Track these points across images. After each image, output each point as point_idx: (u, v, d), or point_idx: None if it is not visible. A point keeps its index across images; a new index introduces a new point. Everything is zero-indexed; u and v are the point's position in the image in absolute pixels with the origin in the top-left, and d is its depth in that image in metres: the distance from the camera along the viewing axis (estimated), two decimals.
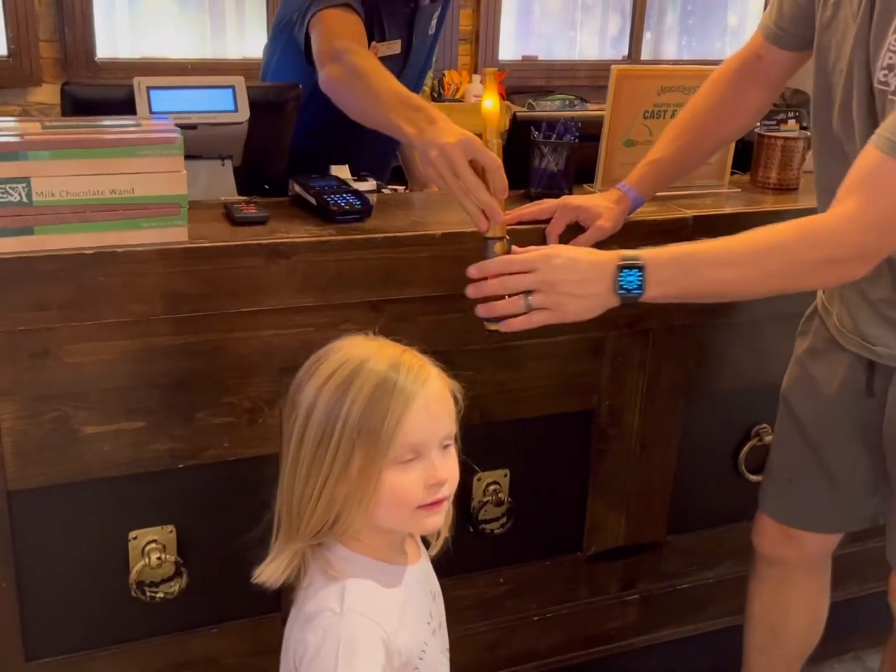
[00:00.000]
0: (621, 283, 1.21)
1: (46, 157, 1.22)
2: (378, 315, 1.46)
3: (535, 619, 1.81)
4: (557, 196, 1.69)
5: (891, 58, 1.25)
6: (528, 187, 1.71)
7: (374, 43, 2.06)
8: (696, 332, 1.78)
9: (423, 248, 1.46)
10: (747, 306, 1.73)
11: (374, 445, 0.96)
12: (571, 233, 1.53)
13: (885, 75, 1.25)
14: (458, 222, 1.55)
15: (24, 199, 1.23)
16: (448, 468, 1.02)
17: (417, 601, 1.08)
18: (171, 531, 1.49)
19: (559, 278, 1.22)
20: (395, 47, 2.07)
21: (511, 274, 1.24)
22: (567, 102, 3.57)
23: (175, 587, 1.50)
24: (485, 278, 1.26)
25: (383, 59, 1.97)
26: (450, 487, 1.03)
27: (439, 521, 1.03)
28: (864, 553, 2.09)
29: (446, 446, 1.03)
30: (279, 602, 1.60)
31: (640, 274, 1.20)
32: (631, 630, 1.92)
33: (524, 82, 3.83)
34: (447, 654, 1.18)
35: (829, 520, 1.65)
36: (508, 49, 4.07)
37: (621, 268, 1.21)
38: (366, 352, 1.02)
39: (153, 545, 1.47)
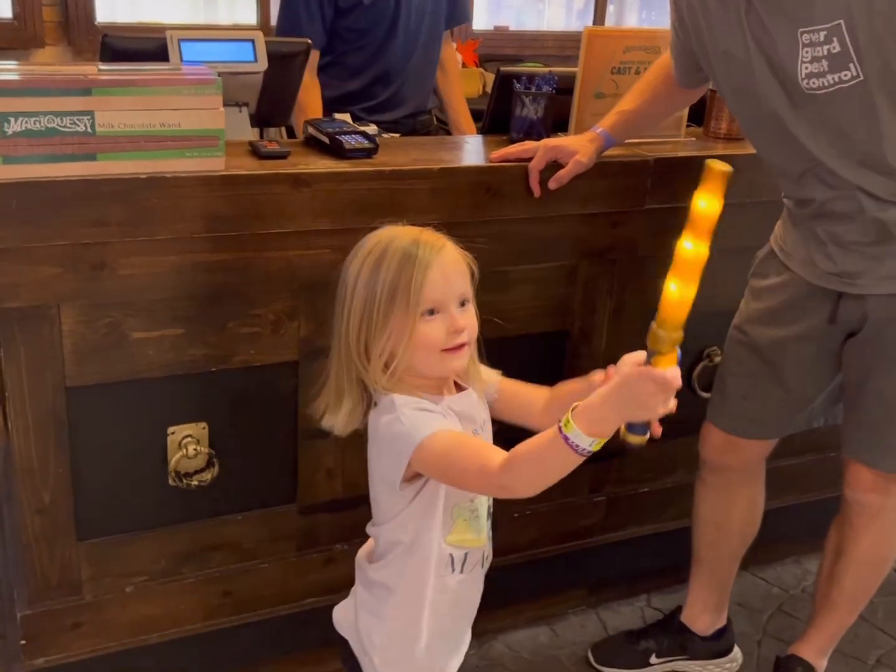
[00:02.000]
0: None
1: (108, 94, 1.43)
2: None
3: (516, 515, 2.06)
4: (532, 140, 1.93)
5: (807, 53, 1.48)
6: (509, 133, 1.94)
7: None
8: (657, 263, 2.02)
9: (424, 181, 1.69)
10: None
11: (405, 302, 1.21)
12: (552, 170, 1.77)
13: (808, 74, 1.48)
14: (452, 160, 1.78)
15: (89, 130, 1.44)
16: (465, 320, 1.24)
17: (455, 423, 1.27)
18: (203, 427, 1.70)
19: None
20: None
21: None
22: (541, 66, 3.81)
23: (208, 476, 1.71)
24: None
25: None
26: (468, 335, 1.25)
27: (462, 363, 1.26)
28: (802, 466, 2.36)
29: (464, 304, 1.26)
30: (294, 494, 1.84)
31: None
32: (599, 528, 2.17)
33: (496, 51, 4.07)
34: None
35: (774, 429, 1.91)
36: (481, 19, 4.30)
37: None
38: (393, 234, 1.27)
39: (189, 439, 1.69)
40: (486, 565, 1.40)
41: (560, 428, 1.07)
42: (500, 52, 4.04)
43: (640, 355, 1.12)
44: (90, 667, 1.74)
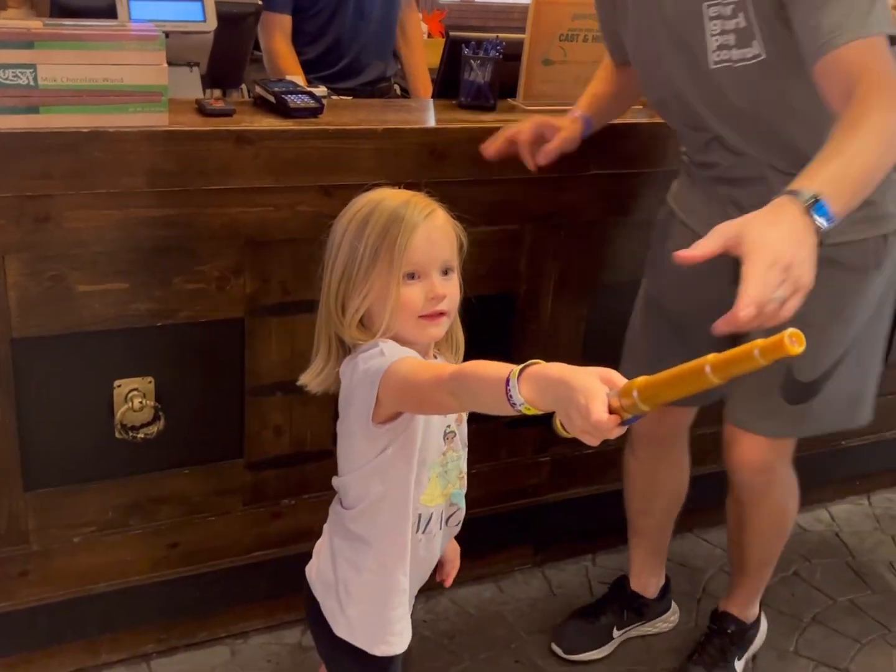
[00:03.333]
0: (818, 224, 1.16)
1: (51, 47, 1.45)
2: (328, 198, 1.71)
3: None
4: (484, 106, 1.96)
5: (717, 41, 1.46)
6: (458, 97, 1.97)
7: None
8: (602, 227, 2.07)
9: (368, 141, 1.72)
10: (641, 206, 2.02)
11: (388, 262, 1.22)
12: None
13: (719, 55, 1.46)
14: (398, 121, 1.81)
15: (31, 83, 1.46)
16: (447, 288, 1.24)
17: None
18: (150, 381, 1.74)
19: (792, 260, 1.12)
20: None
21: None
22: None
23: (154, 429, 1.75)
24: None
25: None
26: (447, 304, 1.25)
27: (439, 332, 1.26)
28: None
29: (447, 272, 1.26)
30: (241, 449, 1.88)
31: (823, 205, 1.16)
32: (544, 487, 2.23)
33: (462, 22, 4.10)
34: (465, 447, 1.38)
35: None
36: None
37: (808, 210, 1.16)
38: (384, 195, 1.27)
39: (135, 392, 1.72)
40: (451, 528, 1.39)
41: (510, 372, 1.02)
42: (466, 23, 4.07)
43: (612, 378, 0.96)
44: (37, 614, 1.78)
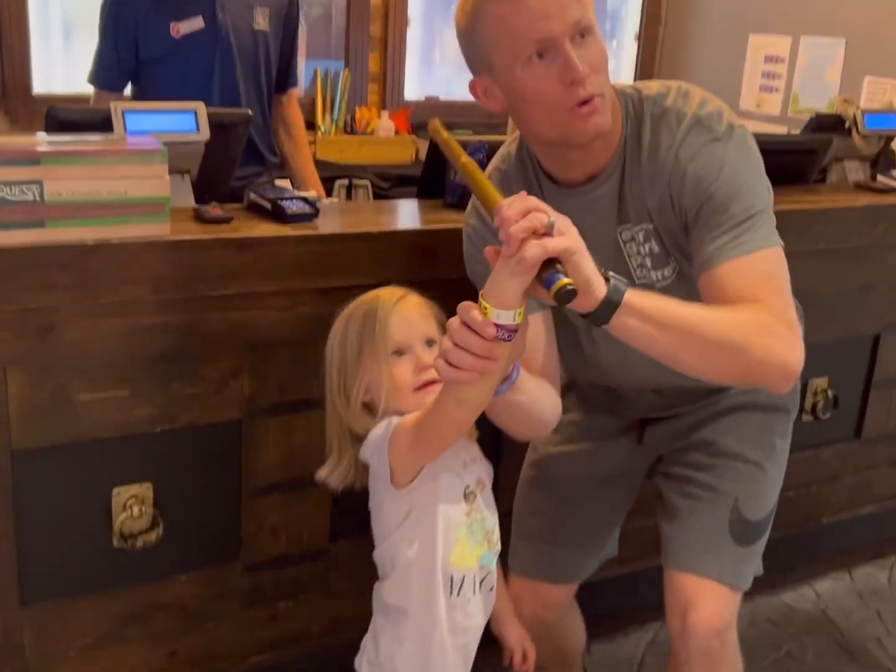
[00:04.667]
0: (610, 279, 1.19)
1: (57, 163, 1.48)
2: (325, 299, 1.74)
3: None
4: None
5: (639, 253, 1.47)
6: (443, 197, 2.04)
7: (173, 23, 2.43)
8: None
9: (364, 244, 1.76)
10: None
11: (372, 347, 1.34)
12: None
13: (641, 272, 1.47)
14: (388, 222, 1.87)
15: (38, 199, 1.48)
16: (433, 356, 1.27)
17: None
18: (148, 487, 1.73)
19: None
20: (197, 23, 2.43)
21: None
22: (469, 134, 3.96)
23: (152, 536, 1.73)
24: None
25: (189, 37, 2.37)
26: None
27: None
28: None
29: (430, 343, 1.36)
30: (238, 552, 1.86)
31: (621, 287, 1.19)
32: None
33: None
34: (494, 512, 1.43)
35: (590, 565, 1.80)
36: (412, 89, 4.45)
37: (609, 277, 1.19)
38: (360, 299, 1.40)
39: (133, 499, 1.71)
40: (486, 594, 1.41)
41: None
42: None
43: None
44: None
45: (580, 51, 1.30)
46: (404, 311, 1.36)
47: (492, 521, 1.42)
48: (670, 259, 1.46)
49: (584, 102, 1.31)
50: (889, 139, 2.78)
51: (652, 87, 1.46)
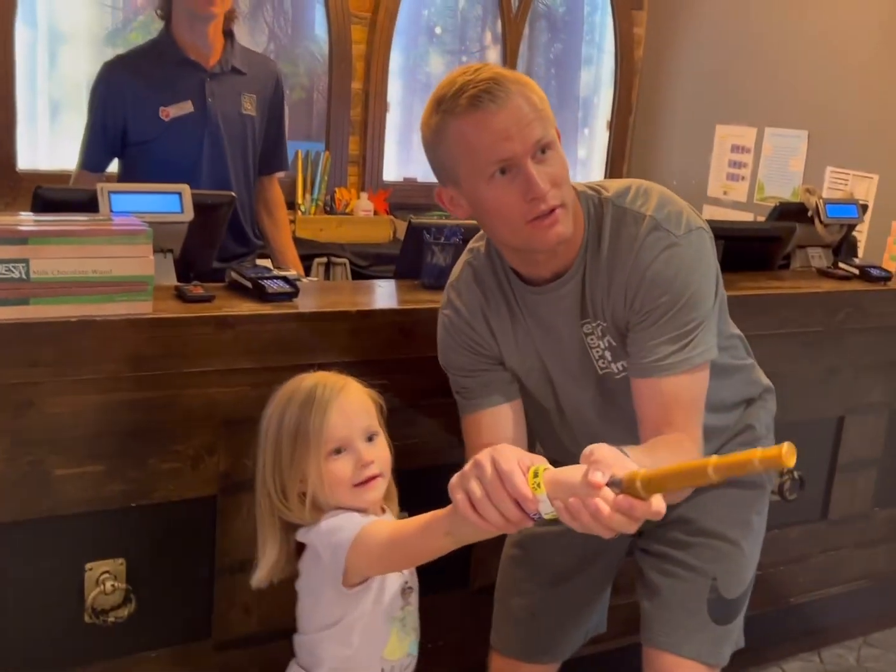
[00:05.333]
0: None
1: (44, 243, 1.52)
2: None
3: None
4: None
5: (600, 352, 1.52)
6: (420, 278, 2.09)
7: (162, 108, 2.48)
8: None
9: (342, 322, 1.80)
10: None
11: (307, 445, 1.31)
12: None
13: (603, 363, 1.52)
14: (367, 303, 1.91)
15: (23, 276, 1.52)
16: (373, 453, 1.33)
17: None
18: (121, 563, 1.72)
19: None
20: (186, 107, 2.48)
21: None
22: (445, 217, 4.05)
23: (124, 612, 1.72)
24: None
25: (178, 120, 2.42)
26: (378, 467, 1.33)
27: (376, 495, 1.34)
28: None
29: (371, 438, 1.34)
30: (209, 629, 1.85)
31: None
32: None
33: (406, 200, 4.31)
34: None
35: (573, 642, 1.80)
36: (391, 171, 4.56)
37: None
38: (299, 381, 1.39)
39: (106, 575, 1.71)
40: None
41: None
42: (409, 201, 4.28)
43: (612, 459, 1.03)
44: None
45: (541, 167, 1.35)
46: (344, 405, 1.34)
47: (416, 608, 1.43)
48: (625, 353, 1.50)
49: (546, 215, 1.37)
50: (850, 227, 2.89)
51: (612, 186, 1.51)
